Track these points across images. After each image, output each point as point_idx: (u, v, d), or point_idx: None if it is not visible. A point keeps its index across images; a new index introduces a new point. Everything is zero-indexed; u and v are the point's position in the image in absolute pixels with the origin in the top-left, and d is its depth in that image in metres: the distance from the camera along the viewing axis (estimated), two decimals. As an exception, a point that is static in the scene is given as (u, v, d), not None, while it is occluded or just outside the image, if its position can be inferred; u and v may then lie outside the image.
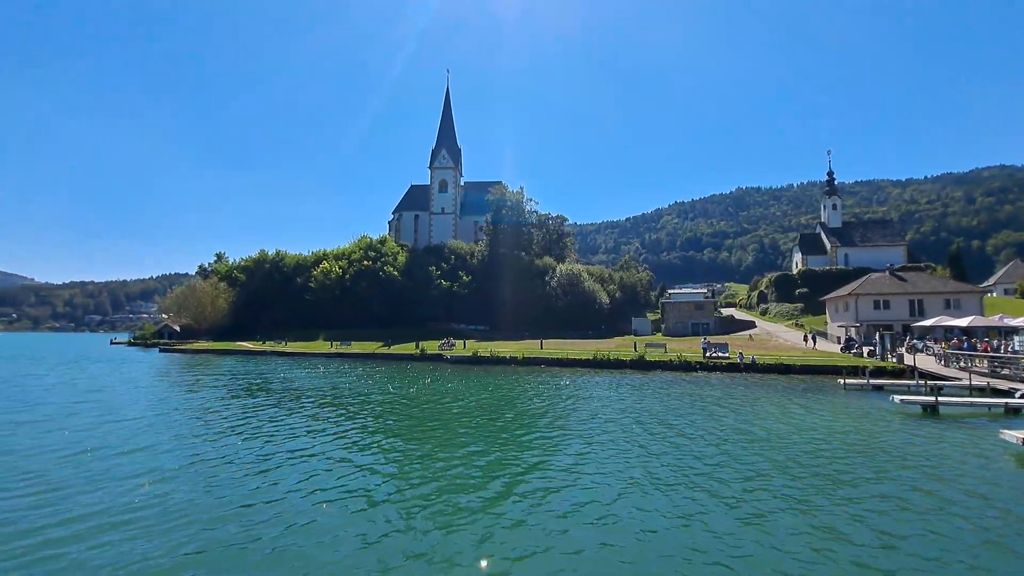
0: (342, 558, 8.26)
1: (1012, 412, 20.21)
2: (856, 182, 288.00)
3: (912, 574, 7.75)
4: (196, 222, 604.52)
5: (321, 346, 63.84)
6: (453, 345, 55.48)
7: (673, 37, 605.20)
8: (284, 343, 68.17)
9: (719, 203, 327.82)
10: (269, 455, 14.63)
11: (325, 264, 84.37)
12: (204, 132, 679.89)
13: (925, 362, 32.64)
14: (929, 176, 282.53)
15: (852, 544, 8.67)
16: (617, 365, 41.04)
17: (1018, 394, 22.15)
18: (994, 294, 74.05)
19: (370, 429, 18.72)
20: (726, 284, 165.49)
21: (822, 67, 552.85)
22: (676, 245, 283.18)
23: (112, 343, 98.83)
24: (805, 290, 72.80)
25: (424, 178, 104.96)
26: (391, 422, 20.20)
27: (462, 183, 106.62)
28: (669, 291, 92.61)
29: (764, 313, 79.00)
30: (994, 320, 35.69)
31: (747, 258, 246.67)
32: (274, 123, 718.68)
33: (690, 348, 46.15)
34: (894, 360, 34.56)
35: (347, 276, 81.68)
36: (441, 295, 79.94)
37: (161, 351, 71.94)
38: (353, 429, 18.52)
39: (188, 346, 72.55)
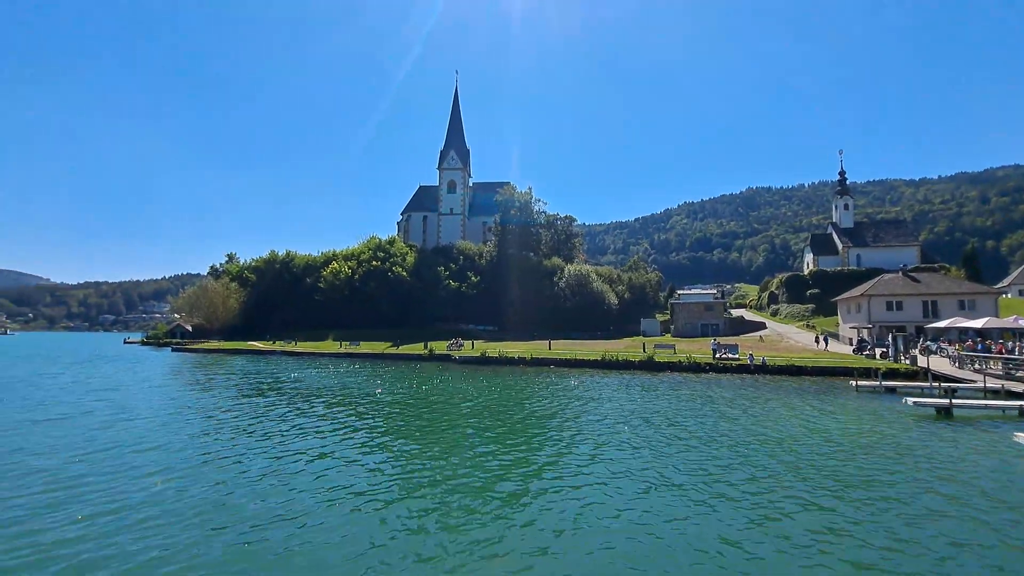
0: (352, 559, 8.31)
1: (1028, 415, 19.87)
2: (868, 182, 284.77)
3: (927, 579, 7.65)
4: (208, 223, 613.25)
5: (330, 346, 64.23)
6: (462, 345, 55.54)
7: (683, 37, 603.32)
8: (294, 343, 68.62)
9: (729, 203, 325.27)
10: (279, 455, 14.76)
11: (334, 264, 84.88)
12: (215, 134, 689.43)
13: (939, 364, 32.19)
14: (943, 176, 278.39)
15: (866, 546, 8.60)
16: (626, 366, 40.89)
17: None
18: (1009, 295, 72.78)
19: (379, 430, 18.83)
20: (736, 285, 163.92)
21: (833, 66, 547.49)
22: (685, 245, 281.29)
23: (125, 342, 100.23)
24: (816, 291, 71.99)
25: (433, 179, 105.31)
26: (400, 423, 20.27)
27: (471, 184, 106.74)
28: (678, 292, 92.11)
29: (775, 314, 78.19)
30: (1009, 322, 35.09)
31: (757, 259, 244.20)
32: (285, 125, 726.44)
33: (700, 349, 45.89)
34: (907, 362, 34.13)
35: (356, 276, 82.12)
36: (450, 296, 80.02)
37: (173, 350, 72.86)
38: (362, 429, 18.63)
39: (200, 345, 73.37)
